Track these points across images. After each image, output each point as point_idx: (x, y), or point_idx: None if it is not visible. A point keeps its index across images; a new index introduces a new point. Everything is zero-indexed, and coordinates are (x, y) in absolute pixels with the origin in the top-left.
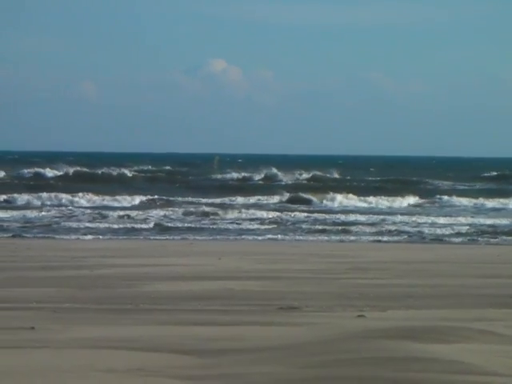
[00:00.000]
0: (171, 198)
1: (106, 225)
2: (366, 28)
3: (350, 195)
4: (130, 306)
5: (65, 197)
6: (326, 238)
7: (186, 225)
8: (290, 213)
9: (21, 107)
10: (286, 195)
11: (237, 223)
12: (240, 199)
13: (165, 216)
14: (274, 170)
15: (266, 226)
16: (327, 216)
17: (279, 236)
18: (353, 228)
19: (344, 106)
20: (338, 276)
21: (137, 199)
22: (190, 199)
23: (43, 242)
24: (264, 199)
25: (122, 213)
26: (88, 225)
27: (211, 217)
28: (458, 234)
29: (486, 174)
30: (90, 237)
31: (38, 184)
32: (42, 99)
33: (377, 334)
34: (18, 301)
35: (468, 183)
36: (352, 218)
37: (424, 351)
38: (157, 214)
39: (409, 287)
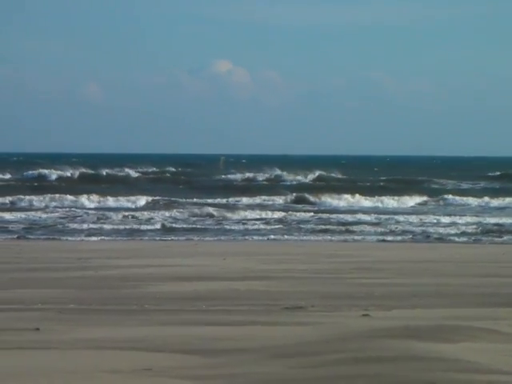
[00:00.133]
0: (176, 199)
1: (111, 226)
2: (367, 28)
3: (356, 195)
4: (134, 306)
5: (69, 198)
6: (330, 237)
7: (190, 225)
8: (294, 213)
9: (22, 109)
10: (291, 195)
11: (242, 223)
12: (245, 199)
13: (169, 217)
14: (279, 171)
15: (271, 227)
16: (332, 216)
17: (284, 236)
18: (357, 228)
19: (346, 105)
20: (343, 276)
21: (141, 200)
22: (194, 200)
23: (48, 244)
24: (269, 199)
25: (126, 214)
26: (92, 226)
27: (216, 217)
28: (463, 233)
29: (490, 174)
30: (94, 238)
31: (43, 185)
32: (44, 101)
33: (382, 334)
34: (23, 302)
35: (472, 182)
36: (357, 217)
37: (429, 350)
38: (161, 214)
39: (414, 286)
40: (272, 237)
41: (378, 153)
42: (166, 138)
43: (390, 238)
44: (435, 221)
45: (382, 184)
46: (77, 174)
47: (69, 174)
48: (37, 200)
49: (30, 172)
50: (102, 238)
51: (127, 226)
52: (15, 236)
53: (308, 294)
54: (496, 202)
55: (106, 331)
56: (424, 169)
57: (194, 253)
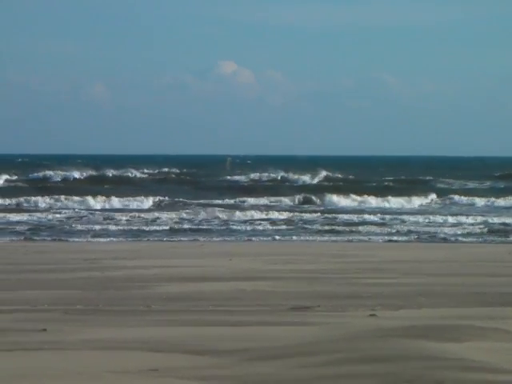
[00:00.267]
0: (182, 200)
1: (117, 227)
2: (373, 28)
3: (362, 196)
4: (141, 307)
5: (75, 199)
6: (337, 238)
7: (196, 226)
8: (301, 213)
9: (27, 110)
10: (297, 196)
11: (248, 224)
12: (251, 200)
13: (175, 217)
14: (285, 171)
15: (278, 227)
16: (338, 216)
17: (291, 236)
18: (363, 228)
19: (351, 106)
20: (350, 276)
21: (147, 201)
22: (201, 201)
23: (54, 245)
24: (275, 200)
25: (132, 214)
26: (99, 227)
27: (222, 218)
28: (469, 233)
29: (496, 173)
30: (100, 239)
31: (48, 187)
32: (48, 102)
33: (389, 333)
34: (29, 303)
35: (478, 182)
36: (363, 217)
37: (436, 350)
38: (167, 215)
39: (420, 286)
40: (278, 237)
41: (383, 153)
42: (171, 139)
43: (396, 238)
44: (441, 221)
45: (387, 184)
46: (82, 175)
47: (74, 176)
48: (43, 201)
49: (37, 173)
50: (108, 238)
51: (133, 227)
52: (22, 237)
53: (314, 294)
54: (502, 202)
55: (112, 332)
56: (430, 168)
57: (200, 253)
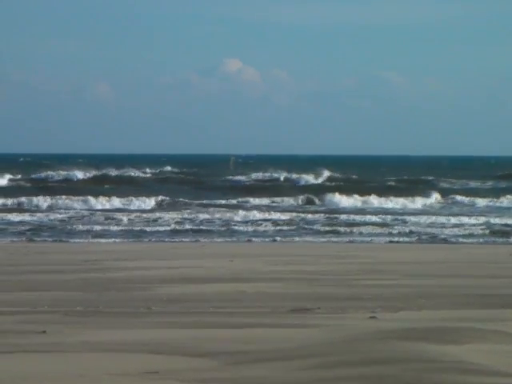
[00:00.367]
0: (184, 200)
1: (119, 227)
2: (377, 27)
3: (364, 196)
4: (141, 308)
5: (77, 199)
6: (338, 238)
7: (198, 226)
8: (303, 214)
9: (29, 109)
10: (300, 196)
11: (250, 224)
12: (253, 200)
13: (177, 218)
14: (287, 171)
15: (279, 228)
16: (340, 217)
17: (292, 237)
18: (365, 229)
19: (355, 105)
20: (350, 277)
21: (149, 201)
22: (202, 201)
23: (55, 246)
24: (278, 200)
25: (134, 215)
26: (100, 227)
27: (224, 218)
28: (471, 234)
29: (498, 173)
30: (101, 239)
31: (50, 187)
32: (51, 101)
33: (389, 335)
34: (29, 304)
35: (480, 182)
36: (365, 218)
37: (436, 352)
38: (169, 216)
39: (421, 288)
40: (280, 238)
41: (384, 152)
42: (173, 139)
43: (397, 238)
44: (443, 221)
45: (389, 184)
46: (84, 175)
47: (76, 175)
48: (44, 201)
49: (37, 173)
50: (110, 239)
51: (134, 228)
52: (22, 238)
53: (315, 296)
54: (504, 202)
55: (112, 334)
56: (431, 168)
57: (201, 254)
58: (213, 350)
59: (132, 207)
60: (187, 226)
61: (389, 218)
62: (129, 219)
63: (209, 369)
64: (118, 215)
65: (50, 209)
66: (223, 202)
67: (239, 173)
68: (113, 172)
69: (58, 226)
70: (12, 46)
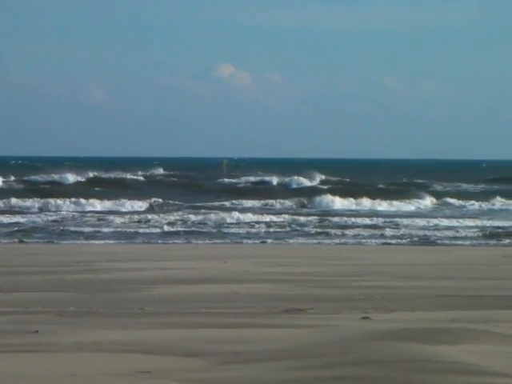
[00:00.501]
0: (177, 202)
1: (111, 229)
2: (372, 32)
3: (358, 199)
4: (134, 309)
5: (69, 201)
6: (331, 240)
7: (191, 228)
8: (296, 216)
9: (23, 111)
10: (293, 199)
11: (243, 226)
12: (246, 203)
13: (170, 220)
14: (281, 174)
15: (272, 229)
16: (333, 219)
17: (285, 239)
18: (358, 231)
19: (350, 109)
20: (343, 278)
21: (142, 203)
22: (195, 203)
23: (48, 247)
24: (270, 203)
25: (126, 217)
26: (93, 229)
27: (217, 220)
28: (463, 236)
29: (491, 177)
30: (94, 241)
31: (43, 189)
32: (46, 103)
33: (382, 336)
34: (22, 305)
35: (473, 185)
36: (358, 220)
37: (429, 353)
38: (161, 217)
39: (414, 289)
40: (272, 240)
41: (379, 156)
42: (168, 142)
43: (390, 240)
44: (435, 223)
45: (382, 187)
46: (78, 177)
47: (69, 178)
48: (36, 203)
49: (30, 176)
50: (102, 240)
51: (127, 229)
52: (15, 239)
53: (308, 297)
54: (496, 205)
55: (105, 334)
56: (424, 171)
57: (194, 256)
58: (206, 350)
59: (124, 209)
60: (179, 228)
61: (381, 220)
62: (121, 221)
63: (201, 369)
64: (111, 217)
65: (42, 211)
66: (216, 204)
67: (233, 176)
68: (106, 174)
69: (50, 228)
70: (12, 48)
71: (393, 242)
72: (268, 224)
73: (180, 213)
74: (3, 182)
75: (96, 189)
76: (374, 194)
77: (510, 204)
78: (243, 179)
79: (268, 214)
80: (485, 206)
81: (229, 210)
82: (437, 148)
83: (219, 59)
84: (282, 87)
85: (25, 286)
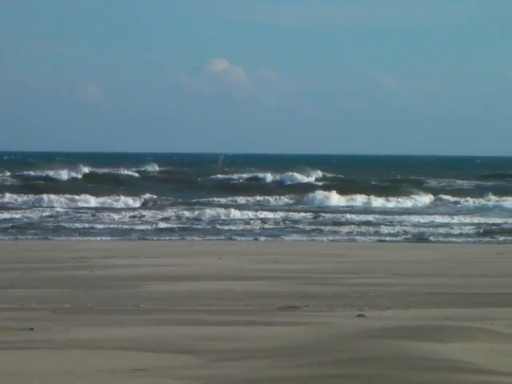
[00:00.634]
0: (171, 198)
1: (106, 225)
2: (368, 28)
3: (353, 195)
4: (129, 306)
5: (65, 197)
6: (325, 237)
7: (186, 225)
8: (291, 213)
9: (19, 107)
10: (288, 195)
11: (238, 223)
12: (241, 199)
13: (165, 216)
14: (276, 171)
15: (268, 226)
16: (328, 216)
17: (280, 236)
18: (353, 228)
19: (344, 105)
20: (338, 276)
21: (137, 200)
22: (190, 200)
23: (43, 243)
24: (266, 199)
25: (122, 213)
26: (88, 225)
27: (212, 217)
28: (459, 233)
29: (485, 173)
30: (89, 237)
31: (37, 184)
32: (42, 100)
33: (377, 334)
34: (17, 301)
35: (467, 182)
36: (353, 217)
37: (424, 350)
38: (157, 214)
39: (409, 286)
40: (267, 237)
41: (375, 152)
42: (163, 137)
43: (385, 237)
44: (430, 220)
45: (378, 184)
46: (72, 173)
47: (62, 174)
48: (29, 199)
49: (23, 171)
50: (97, 237)
51: (122, 226)
52: (10, 235)
53: (303, 294)
54: (491, 202)
55: (100, 331)
56: (420, 168)
57: (189, 252)
58: (201, 347)
59: (118, 205)
60: (174, 225)
61: (376, 217)
62: (117, 217)
63: (196, 366)
64: (106, 213)
65: (37, 207)
66: (211, 200)
67: (228, 172)
68: (102, 170)
69: (45, 224)
70: (10, 47)
71: (387, 239)
72: (263, 220)
73: (174, 209)
74: None
75: (90, 185)
76: (369, 191)
77: (504, 200)
78: (238, 176)
79: (263, 210)
80: (479, 202)
81: (223, 206)
82: (432, 145)
83: (215, 55)
84: (276, 83)
85: (20, 282)
